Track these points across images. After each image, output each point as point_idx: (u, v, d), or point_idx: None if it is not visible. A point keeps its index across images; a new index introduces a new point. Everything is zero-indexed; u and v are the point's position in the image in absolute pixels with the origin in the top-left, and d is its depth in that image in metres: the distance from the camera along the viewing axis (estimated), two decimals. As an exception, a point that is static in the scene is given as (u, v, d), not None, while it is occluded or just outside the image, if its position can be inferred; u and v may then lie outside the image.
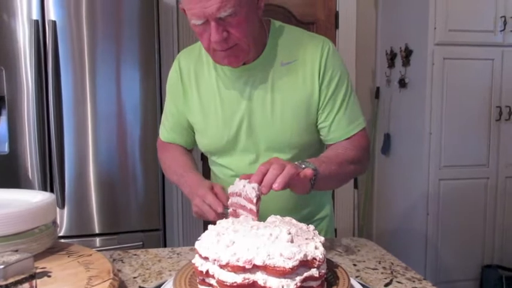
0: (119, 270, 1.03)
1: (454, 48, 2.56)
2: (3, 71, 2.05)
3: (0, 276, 0.71)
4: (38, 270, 0.87)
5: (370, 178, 3.19)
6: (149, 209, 2.25)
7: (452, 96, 2.58)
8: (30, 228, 0.94)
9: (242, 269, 0.71)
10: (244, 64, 1.14)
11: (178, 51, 2.18)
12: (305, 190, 1.01)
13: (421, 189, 2.65)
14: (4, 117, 2.08)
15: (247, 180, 0.93)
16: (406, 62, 2.76)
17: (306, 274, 0.73)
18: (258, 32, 1.13)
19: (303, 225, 0.85)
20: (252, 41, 1.09)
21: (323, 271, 0.76)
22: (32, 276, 0.77)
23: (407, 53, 2.74)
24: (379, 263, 1.09)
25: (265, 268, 0.71)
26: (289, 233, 0.76)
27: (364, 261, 1.10)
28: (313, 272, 0.73)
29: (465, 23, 2.54)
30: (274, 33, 1.19)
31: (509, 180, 2.71)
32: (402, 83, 2.80)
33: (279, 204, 1.18)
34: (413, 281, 0.98)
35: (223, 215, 1.01)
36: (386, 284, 0.97)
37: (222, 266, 0.73)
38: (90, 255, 1.00)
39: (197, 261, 0.78)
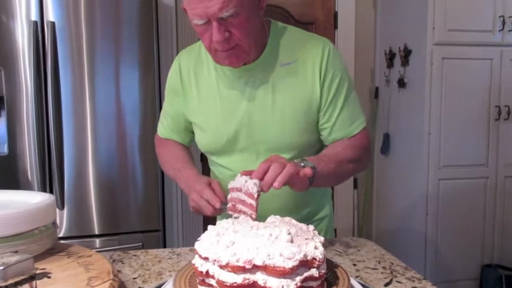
0: (119, 271, 1.03)
1: (453, 48, 2.56)
2: (2, 72, 2.04)
3: (0, 277, 0.71)
4: (38, 271, 0.87)
5: (370, 178, 3.19)
6: (149, 209, 2.25)
7: (451, 96, 2.58)
8: (30, 229, 0.94)
9: (242, 269, 0.71)
10: (244, 64, 1.15)
11: (177, 52, 2.18)
12: (304, 188, 1.02)
13: (421, 189, 2.66)
14: (3, 118, 2.08)
15: (249, 176, 0.94)
16: (405, 62, 2.77)
17: (306, 274, 0.73)
18: (258, 33, 1.13)
19: (303, 226, 0.85)
20: (253, 42, 1.09)
21: (323, 271, 0.76)
22: (32, 277, 0.77)
23: (406, 53, 2.74)
24: (379, 263, 1.09)
25: (265, 268, 0.71)
26: (289, 233, 0.76)
27: (364, 261, 1.10)
28: (313, 272, 0.73)
29: (464, 23, 2.54)
30: (275, 34, 1.19)
31: (509, 179, 2.71)
32: (401, 83, 2.80)
33: (279, 204, 1.19)
34: (413, 281, 0.98)
35: (221, 210, 1.03)
36: (386, 284, 0.97)
37: (222, 267, 0.73)
38: (90, 256, 1.00)
39: (197, 261, 0.78)
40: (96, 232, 2.18)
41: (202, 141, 1.27)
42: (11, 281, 0.73)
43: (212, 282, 0.75)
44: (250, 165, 1.19)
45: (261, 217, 0.92)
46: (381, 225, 3.19)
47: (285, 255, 0.71)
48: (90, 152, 2.15)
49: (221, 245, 0.75)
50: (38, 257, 0.95)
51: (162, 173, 2.40)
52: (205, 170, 1.41)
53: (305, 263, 0.73)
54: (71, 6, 2.08)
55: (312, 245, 0.75)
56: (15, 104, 2.07)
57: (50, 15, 2.06)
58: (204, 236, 0.80)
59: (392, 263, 1.09)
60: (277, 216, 0.90)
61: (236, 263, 0.71)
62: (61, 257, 0.99)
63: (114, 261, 1.11)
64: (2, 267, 0.72)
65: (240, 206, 0.95)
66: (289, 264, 0.70)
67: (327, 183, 1.25)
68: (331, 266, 0.85)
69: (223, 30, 1.02)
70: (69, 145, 2.12)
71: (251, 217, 0.92)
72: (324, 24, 3.07)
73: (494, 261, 2.73)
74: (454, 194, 2.64)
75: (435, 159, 2.60)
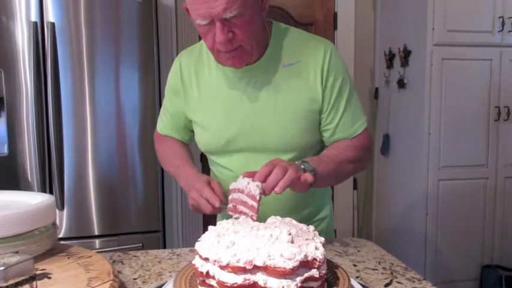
0: (119, 272, 1.04)
1: (453, 48, 2.56)
2: (2, 73, 2.04)
3: (0, 278, 0.72)
4: (38, 272, 0.87)
5: (370, 179, 3.19)
6: (149, 210, 2.25)
7: (451, 96, 2.58)
8: (30, 229, 0.94)
9: (242, 270, 0.71)
10: (246, 65, 1.15)
11: (177, 53, 2.18)
12: (304, 190, 1.04)
13: (420, 190, 2.66)
14: (3, 119, 2.08)
15: (251, 178, 0.96)
16: (404, 62, 2.77)
17: (306, 275, 0.73)
18: (261, 34, 1.14)
19: (303, 226, 0.85)
20: (255, 43, 1.10)
21: (323, 272, 0.76)
22: (32, 278, 0.77)
23: (406, 54, 2.75)
24: (379, 264, 1.09)
25: (265, 269, 0.71)
26: (290, 234, 0.76)
27: (364, 262, 1.11)
28: (314, 272, 0.74)
29: (463, 24, 2.54)
30: (277, 35, 1.19)
31: (508, 180, 2.71)
32: (401, 84, 2.80)
33: (279, 205, 1.19)
34: (413, 281, 0.98)
35: (220, 209, 1.05)
36: (387, 285, 0.97)
37: (222, 267, 0.73)
38: (90, 256, 1.00)
39: (197, 262, 0.78)
40: (96, 233, 2.18)
41: (203, 140, 1.27)
42: (11, 282, 0.73)
43: (212, 282, 0.75)
44: (250, 165, 1.19)
45: (261, 218, 0.93)
46: (380, 225, 3.19)
47: (286, 255, 0.71)
48: (90, 153, 2.15)
49: (221, 245, 0.75)
50: (38, 258, 0.95)
51: (162, 173, 2.40)
52: (205, 170, 1.41)
53: (305, 264, 0.73)
54: (71, 7, 2.08)
55: (313, 246, 0.75)
56: (15, 105, 2.07)
57: (50, 16, 2.06)
58: (204, 237, 0.80)
59: (392, 264, 1.09)
60: (278, 217, 0.90)
61: (236, 264, 0.71)
62: (61, 257, 0.99)
63: (114, 261, 1.11)
64: (2, 268, 0.72)
65: (241, 207, 0.96)
66: (290, 265, 0.70)
67: (327, 184, 1.27)
68: (331, 267, 0.85)
69: (226, 31, 1.02)
70: (69, 146, 2.12)
71: (252, 218, 0.92)
72: (324, 25, 3.07)
73: (494, 261, 2.73)
74: (453, 195, 2.64)
75: (435, 159, 2.61)
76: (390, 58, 2.93)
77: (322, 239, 0.81)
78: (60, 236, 2.13)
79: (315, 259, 0.74)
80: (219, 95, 1.20)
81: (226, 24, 1.02)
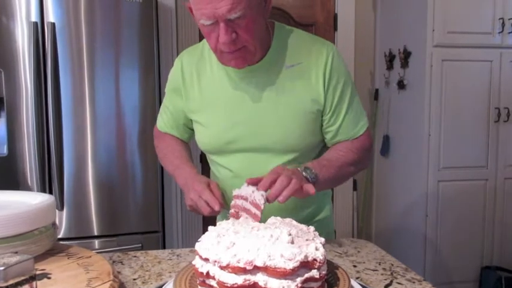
0: (119, 272, 1.03)
1: (453, 50, 2.56)
2: (2, 73, 2.04)
3: (0, 278, 0.71)
4: (38, 272, 0.87)
5: (369, 180, 3.19)
6: (148, 210, 2.25)
7: (451, 97, 2.59)
8: (29, 230, 0.94)
9: (243, 270, 0.71)
10: (248, 65, 1.15)
11: (178, 53, 2.18)
12: (304, 197, 1.06)
13: (420, 191, 2.66)
14: (3, 119, 2.07)
15: (255, 187, 0.98)
16: (404, 63, 2.77)
17: (306, 275, 0.73)
18: (264, 34, 1.14)
19: (303, 227, 0.85)
20: (258, 43, 1.10)
21: (323, 272, 0.76)
22: (32, 278, 0.77)
23: (406, 55, 2.75)
24: (379, 264, 1.09)
25: (265, 269, 0.71)
26: (290, 234, 0.76)
27: (364, 263, 1.10)
28: (314, 273, 0.73)
29: (463, 25, 2.55)
30: (279, 36, 1.19)
31: (508, 181, 2.71)
32: (401, 85, 2.80)
33: (279, 206, 1.18)
34: (413, 282, 0.98)
35: (218, 212, 1.06)
36: (387, 285, 0.97)
37: (222, 267, 0.73)
38: (90, 257, 1.00)
39: (197, 262, 0.78)
40: (96, 233, 2.18)
41: (203, 140, 1.27)
42: (11, 282, 0.73)
43: (213, 283, 0.75)
44: (250, 165, 1.19)
45: (261, 218, 0.93)
46: (380, 226, 3.19)
47: (286, 256, 0.71)
48: (89, 153, 2.15)
49: (222, 246, 0.75)
50: (38, 258, 0.95)
51: (162, 173, 2.40)
52: (205, 171, 1.41)
53: (306, 264, 0.73)
54: (71, 7, 2.08)
55: (313, 246, 0.75)
56: (15, 105, 2.07)
57: (50, 16, 2.06)
58: (204, 237, 0.80)
59: (392, 265, 1.09)
60: (278, 217, 0.90)
61: (237, 264, 0.71)
62: (61, 257, 0.99)
63: (114, 262, 1.11)
64: (2, 268, 0.72)
65: (243, 214, 0.97)
66: (290, 265, 0.70)
67: (328, 187, 1.28)
68: (331, 267, 0.85)
69: (230, 31, 1.02)
70: (68, 146, 2.12)
71: None
72: (324, 26, 3.07)
73: (494, 263, 2.73)
74: (453, 196, 2.64)
75: (435, 161, 2.61)
76: (390, 59, 2.93)
77: (323, 239, 0.81)
78: (60, 236, 2.12)
79: (315, 260, 0.74)
80: (221, 95, 1.20)
81: (230, 25, 1.02)
